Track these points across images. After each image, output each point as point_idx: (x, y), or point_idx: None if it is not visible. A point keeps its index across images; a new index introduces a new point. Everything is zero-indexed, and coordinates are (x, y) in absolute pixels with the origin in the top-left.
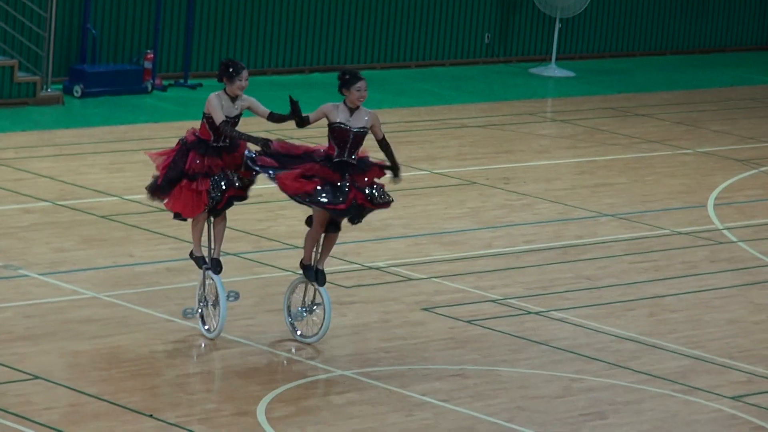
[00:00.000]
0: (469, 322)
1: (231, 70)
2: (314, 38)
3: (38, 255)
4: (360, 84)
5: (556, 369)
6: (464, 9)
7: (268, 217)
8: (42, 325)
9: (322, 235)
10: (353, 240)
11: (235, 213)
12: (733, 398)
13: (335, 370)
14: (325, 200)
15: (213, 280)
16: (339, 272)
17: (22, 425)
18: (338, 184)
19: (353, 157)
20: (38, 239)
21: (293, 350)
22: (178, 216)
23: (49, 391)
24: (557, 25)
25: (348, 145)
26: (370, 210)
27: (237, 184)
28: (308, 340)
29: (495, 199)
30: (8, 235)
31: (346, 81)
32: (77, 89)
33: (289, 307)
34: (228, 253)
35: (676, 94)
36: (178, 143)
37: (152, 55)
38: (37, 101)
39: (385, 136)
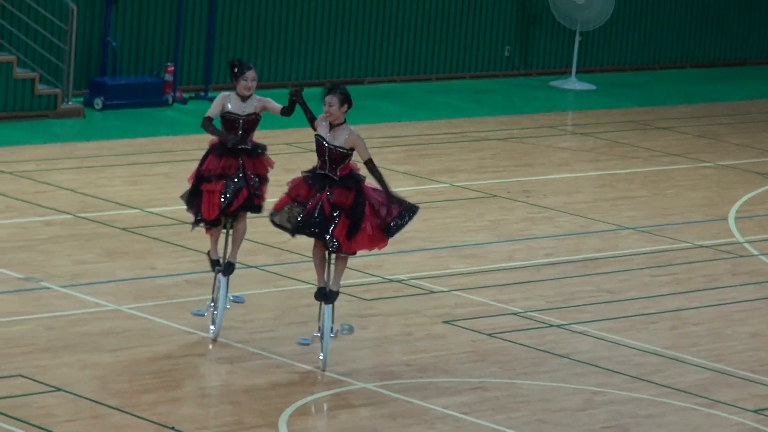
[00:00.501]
0: (490, 335)
1: (236, 70)
2: (335, 51)
3: (59, 267)
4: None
5: (577, 382)
6: (484, 22)
7: None
8: (63, 337)
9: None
10: (374, 253)
11: (255, 225)
12: (755, 411)
13: (357, 383)
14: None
15: (219, 282)
16: (360, 285)
17: None
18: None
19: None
20: (59, 252)
21: (315, 363)
22: (196, 222)
23: (71, 403)
24: (577, 39)
25: (326, 159)
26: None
27: (253, 191)
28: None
29: (515, 213)
30: (29, 247)
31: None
32: (98, 102)
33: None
34: (249, 266)
35: (696, 108)
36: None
37: (173, 68)
38: (57, 114)
39: (372, 158)
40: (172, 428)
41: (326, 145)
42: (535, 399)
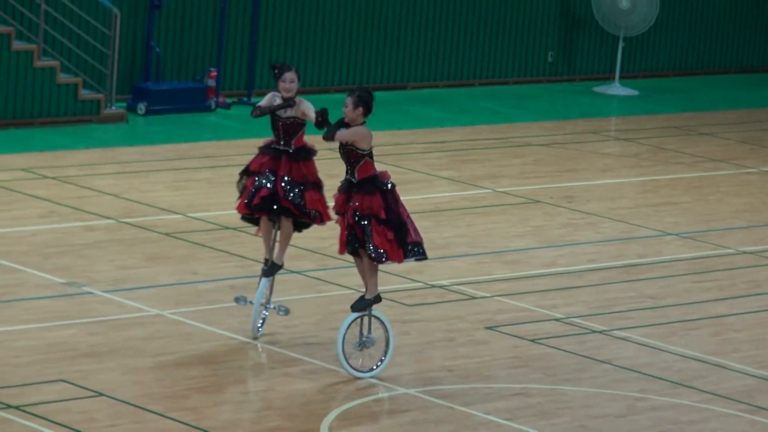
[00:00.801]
0: (532, 341)
1: (276, 71)
2: (377, 56)
3: (102, 272)
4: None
5: (619, 388)
6: (527, 28)
7: (332, 235)
8: (105, 342)
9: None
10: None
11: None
12: None
13: (399, 388)
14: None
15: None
16: (402, 291)
17: None
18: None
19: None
20: (102, 257)
21: (357, 368)
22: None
23: (113, 408)
24: (621, 44)
25: (344, 161)
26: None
27: (283, 194)
28: (368, 374)
29: (558, 218)
30: (72, 252)
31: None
32: (141, 107)
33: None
34: (292, 271)
35: (740, 113)
36: None
37: (216, 73)
38: (100, 119)
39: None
40: None
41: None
42: (578, 405)
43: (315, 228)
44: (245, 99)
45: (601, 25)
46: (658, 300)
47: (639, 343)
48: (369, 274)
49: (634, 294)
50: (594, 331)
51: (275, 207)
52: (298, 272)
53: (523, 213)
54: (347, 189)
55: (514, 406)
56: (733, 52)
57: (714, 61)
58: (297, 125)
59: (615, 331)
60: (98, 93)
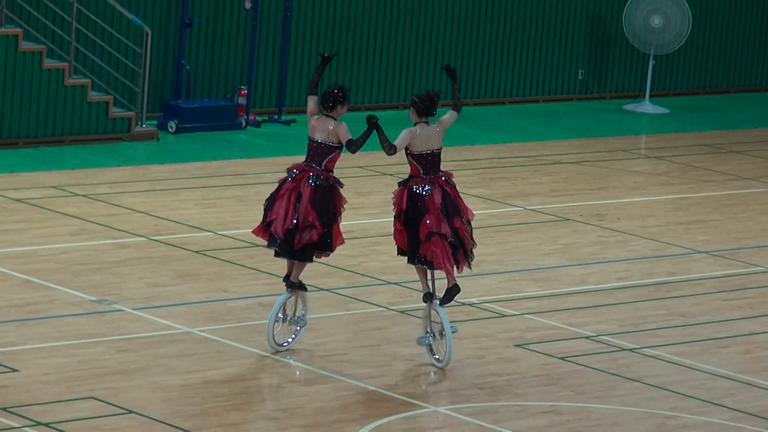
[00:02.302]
0: (562, 358)
1: (341, 96)
2: (408, 74)
3: (132, 290)
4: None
5: (649, 406)
6: (558, 45)
7: (361, 252)
8: (136, 359)
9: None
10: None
11: None
12: None
13: (429, 406)
14: None
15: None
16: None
17: None
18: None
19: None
20: (132, 274)
21: (387, 386)
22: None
23: (143, 425)
24: (651, 62)
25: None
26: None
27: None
28: (440, 365)
29: (588, 236)
30: (103, 269)
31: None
32: (172, 125)
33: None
34: (321, 289)
35: None
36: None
37: (246, 91)
38: (131, 137)
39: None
40: None
41: (430, 152)
42: (607, 423)
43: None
44: (276, 117)
45: (631, 43)
46: (688, 318)
47: (669, 361)
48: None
49: (665, 312)
50: (624, 349)
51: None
52: (327, 290)
53: (554, 231)
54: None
55: (543, 423)
56: (764, 70)
57: (744, 79)
58: (333, 149)
59: (645, 349)
60: (129, 111)
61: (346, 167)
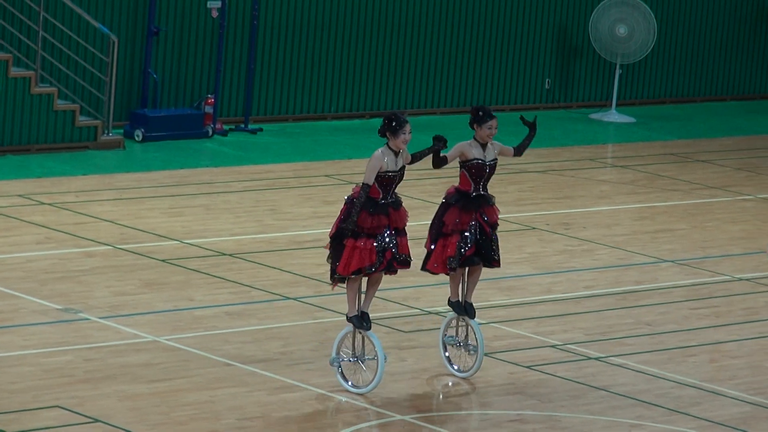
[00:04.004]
0: (528, 367)
1: (394, 123)
2: (374, 83)
3: (99, 299)
4: (492, 122)
5: (616, 415)
6: (524, 55)
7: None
8: (102, 368)
9: (465, 270)
10: (413, 285)
11: (293, 257)
12: None
13: (395, 414)
14: (464, 252)
15: (365, 335)
16: (398, 317)
17: None
18: (467, 231)
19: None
20: (99, 283)
21: (353, 395)
22: (334, 277)
23: None
24: (618, 71)
25: (484, 179)
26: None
27: (397, 250)
28: (464, 375)
29: (555, 245)
30: (69, 278)
31: (480, 117)
32: (138, 133)
33: (444, 343)
34: (288, 297)
35: (736, 140)
36: (345, 204)
37: (213, 100)
38: (98, 145)
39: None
40: None
41: (487, 163)
42: (574, 431)
43: (310, 254)
44: (242, 126)
45: (598, 53)
46: (654, 327)
47: (636, 370)
48: (476, 281)
49: (631, 321)
50: (590, 358)
51: (393, 268)
52: (294, 298)
53: (520, 240)
54: (477, 205)
55: None
56: (730, 80)
57: (711, 89)
58: (403, 174)
59: (611, 358)
60: (95, 119)
61: (314, 176)
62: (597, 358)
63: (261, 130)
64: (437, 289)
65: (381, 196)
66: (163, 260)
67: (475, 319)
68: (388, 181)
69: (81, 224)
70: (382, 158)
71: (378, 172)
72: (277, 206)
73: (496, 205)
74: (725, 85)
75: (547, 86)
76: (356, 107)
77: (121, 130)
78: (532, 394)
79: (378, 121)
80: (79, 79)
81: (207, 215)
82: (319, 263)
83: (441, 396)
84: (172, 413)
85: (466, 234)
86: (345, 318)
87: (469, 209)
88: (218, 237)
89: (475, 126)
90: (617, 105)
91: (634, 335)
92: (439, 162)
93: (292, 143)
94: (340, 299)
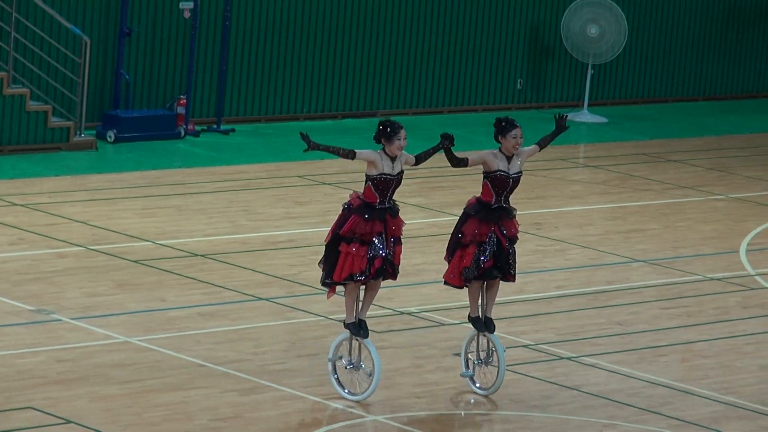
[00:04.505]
0: None
1: (389, 130)
2: (347, 84)
3: (71, 299)
4: (515, 131)
5: (587, 414)
6: (497, 56)
7: (301, 262)
8: (74, 369)
9: (484, 285)
10: (385, 285)
11: (266, 258)
12: None
13: (368, 415)
14: (482, 264)
15: (362, 343)
16: (371, 318)
17: None
18: (485, 243)
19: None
20: (71, 284)
21: (325, 395)
22: (324, 283)
23: None
24: (589, 72)
25: (505, 192)
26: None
27: (390, 257)
28: (486, 392)
29: (527, 245)
30: (41, 279)
31: (503, 128)
32: (110, 134)
33: (467, 361)
34: (260, 298)
35: (708, 140)
36: (342, 210)
37: (185, 101)
38: (70, 146)
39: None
40: None
41: (510, 176)
42: (546, 431)
43: (283, 255)
44: (215, 126)
45: (570, 53)
46: (626, 326)
47: (607, 370)
48: (495, 295)
49: (603, 320)
50: (562, 358)
51: (388, 274)
52: (266, 299)
53: None
54: (496, 217)
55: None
56: (701, 80)
57: (682, 89)
58: (401, 178)
59: (583, 358)
60: (68, 120)
61: (286, 176)
62: (569, 358)
63: (233, 130)
64: (409, 290)
65: (378, 200)
66: (135, 261)
67: (495, 333)
68: (384, 184)
69: (53, 225)
70: (378, 156)
71: (374, 174)
72: (249, 207)
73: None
74: (696, 86)
75: (519, 86)
76: (329, 108)
77: (94, 131)
78: (505, 393)
79: (350, 122)
80: (52, 80)
81: (179, 216)
82: (292, 264)
83: (413, 396)
84: (145, 414)
85: (485, 245)
86: (342, 324)
87: (488, 221)
88: (191, 238)
89: (499, 138)
90: (589, 105)
91: (605, 335)
92: (458, 162)
93: (264, 144)
94: (312, 300)
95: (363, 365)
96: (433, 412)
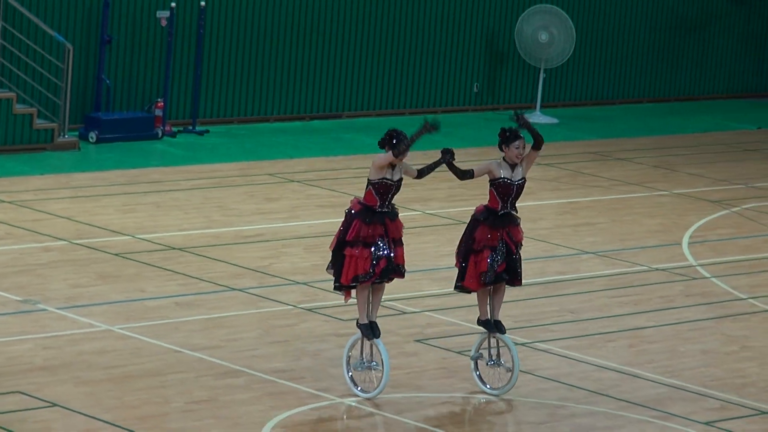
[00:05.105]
0: (459, 352)
1: (394, 141)
2: (314, 87)
3: (56, 290)
4: (518, 142)
5: (541, 396)
6: (455, 60)
7: (271, 254)
8: (59, 356)
9: (491, 289)
10: None
11: (239, 251)
12: (706, 424)
13: (335, 398)
14: (496, 267)
15: (374, 344)
16: (337, 306)
17: None
18: (497, 247)
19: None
20: (56, 276)
21: (295, 379)
22: (338, 288)
23: (67, 418)
24: (541, 75)
25: (510, 198)
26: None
27: (392, 259)
28: (498, 392)
29: None
30: (28, 271)
31: (506, 138)
32: (92, 135)
33: (476, 363)
34: (233, 288)
35: (653, 140)
36: (345, 216)
37: (162, 104)
38: (54, 147)
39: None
40: None
41: (514, 183)
42: (502, 413)
43: (255, 248)
44: (190, 128)
45: (523, 58)
46: (577, 314)
47: (560, 355)
48: (502, 298)
49: (556, 308)
50: (518, 344)
51: (390, 273)
52: (239, 289)
53: (451, 234)
54: (504, 222)
55: (442, 414)
56: (646, 83)
57: (629, 92)
58: (400, 185)
59: (537, 344)
60: (52, 122)
61: (257, 174)
62: (524, 344)
63: (208, 131)
64: None
65: (378, 203)
66: (116, 254)
67: (506, 334)
68: (385, 188)
69: (39, 221)
70: (386, 160)
71: (376, 179)
72: (223, 203)
73: (521, 225)
74: (641, 88)
75: (475, 89)
76: (297, 110)
77: (77, 133)
78: (464, 377)
79: (317, 123)
80: (37, 84)
81: (157, 212)
82: (263, 256)
83: (377, 380)
84: (125, 397)
85: (497, 249)
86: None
87: (497, 226)
88: (168, 232)
89: (503, 147)
90: (541, 107)
91: (558, 322)
92: (464, 175)
93: (236, 144)
94: (282, 290)
95: (375, 364)
96: (396, 395)
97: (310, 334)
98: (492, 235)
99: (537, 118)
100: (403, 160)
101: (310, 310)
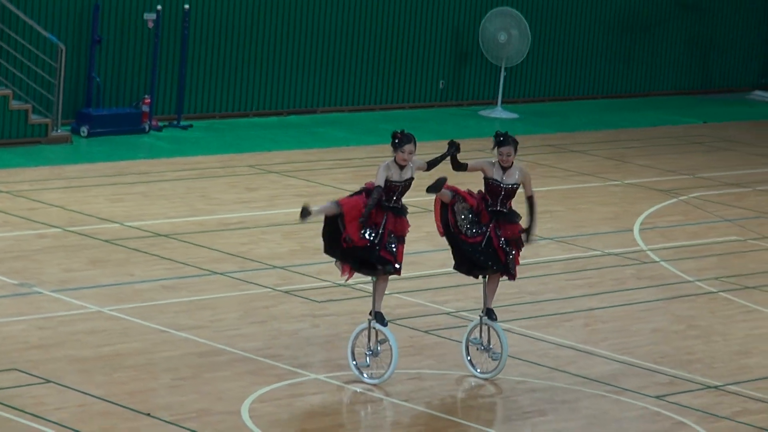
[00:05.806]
0: (426, 332)
1: (396, 141)
2: (291, 84)
3: (50, 274)
4: (503, 149)
5: (502, 373)
6: (421, 59)
7: (251, 240)
8: (53, 335)
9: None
10: (324, 261)
11: (221, 237)
12: (656, 398)
13: (310, 374)
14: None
15: (379, 330)
16: (313, 289)
17: (37, 423)
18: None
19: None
20: (50, 260)
21: (273, 356)
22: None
23: (60, 393)
24: (502, 73)
25: (500, 198)
26: (499, 267)
27: (383, 246)
28: (487, 376)
29: None
30: (24, 257)
31: (499, 143)
32: (84, 130)
33: (467, 347)
34: (216, 272)
35: (606, 133)
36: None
37: (149, 100)
38: (48, 140)
39: (534, 195)
40: (149, 415)
41: (502, 186)
42: (465, 387)
43: (235, 235)
44: (175, 122)
45: (485, 56)
46: (536, 296)
47: (520, 334)
48: (495, 289)
49: (516, 290)
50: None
51: (377, 261)
52: (221, 273)
53: (419, 220)
54: (496, 218)
55: (409, 389)
56: (600, 81)
57: (584, 88)
58: (409, 184)
59: (499, 323)
60: (46, 118)
61: (238, 166)
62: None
63: (191, 126)
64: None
65: (385, 199)
66: (106, 240)
67: (498, 322)
68: (391, 188)
69: (34, 209)
70: (386, 168)
71: (382, 181)
72: (206, 193)
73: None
74: (596, 86)
75: (441, 86)
76: (275, 106)
77: (69, 127)
78: (430, 354)
79: (294, 118)
80: (32, 82)
81: (144, 201)
82: (244, 242)
83: (350, 359)
84: (115, 374)
85: (471, 209)
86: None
87: (489, 212)
88: (155, 220)
89: (496, 151)
90: (502, 103)
91: (518, 303)
92: (459, 167)
93: (218, 137)
94: (261, 274)
95: (381, 350)
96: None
97: (287, 315)
98: (481, 207)
99: (498, 113)
100: (413, 158)
101: (287, 292)
